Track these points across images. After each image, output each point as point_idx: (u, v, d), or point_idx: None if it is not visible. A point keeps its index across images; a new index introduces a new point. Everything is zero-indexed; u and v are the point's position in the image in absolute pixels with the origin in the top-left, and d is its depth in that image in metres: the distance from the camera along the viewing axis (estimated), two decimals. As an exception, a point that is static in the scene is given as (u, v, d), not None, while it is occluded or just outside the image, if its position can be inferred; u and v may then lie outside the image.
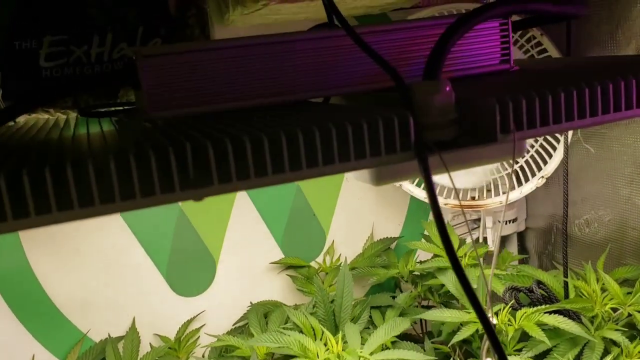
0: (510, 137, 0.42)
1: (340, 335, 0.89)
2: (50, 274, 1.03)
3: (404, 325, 0.90)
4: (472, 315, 0.89)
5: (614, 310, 0.87)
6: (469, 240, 1.35)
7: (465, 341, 1.01)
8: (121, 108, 0.70)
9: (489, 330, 0.41)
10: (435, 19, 0.58)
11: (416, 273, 1.16)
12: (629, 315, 0.85)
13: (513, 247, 1.44)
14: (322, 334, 0.93)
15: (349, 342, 0.88)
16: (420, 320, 1.16)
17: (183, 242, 1.14)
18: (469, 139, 0.42)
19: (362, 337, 0.90)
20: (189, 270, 1.15)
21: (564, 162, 1.02)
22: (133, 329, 1.08)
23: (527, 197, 1.41)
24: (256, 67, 0.52)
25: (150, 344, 1.11)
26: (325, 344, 0.87)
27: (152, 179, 0.34)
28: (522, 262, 1.29)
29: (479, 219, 1.38)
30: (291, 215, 1.22)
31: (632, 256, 1.16)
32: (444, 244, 0.39)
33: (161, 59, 0.50)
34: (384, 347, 0.91)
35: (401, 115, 0.39)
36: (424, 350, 1.00)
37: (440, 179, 1.19)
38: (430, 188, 0.39)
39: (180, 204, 1.13)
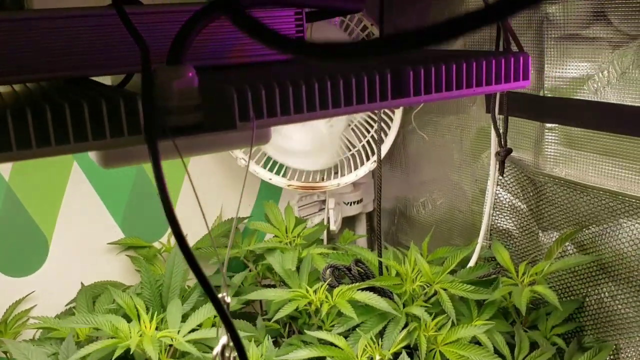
0: (250, 125, 0.43)
1: (162, 316, 0.88)
2: None
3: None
4: (294, 294, 0.92)
5: (426, 287, 0.93)
6: (316, 221, 1.39)
7: (294, 318, 1.04)
8: None
9: (218, 307, 0.42)
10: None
11: (259, 253, 1.18)
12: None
13: (361, 227, 1.50)
14: (146, 314, 0.92)
15: (169, 321, 0.88)
16: (261, 300, 1.18)
17: (11, 219, 1.08)
18: (210, 125, 0.42)
19: (186, 317, 0.91)
20: (18, 249, 1.10)
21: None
22: (-51, 310, 1.02)
23: (375, 180, 1.47)
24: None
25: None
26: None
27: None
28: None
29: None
30: (132, 194, 1.19)
31: (459, 236, 1.24)
32: (173, 229, 0.40)
33: None
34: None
35: (129, 98, 0.39)
36: (255, 327, 1.02)
37: (285, 159, 1.21)
38: (159, 172, 0.39)
39: (7, 179, 1.07)
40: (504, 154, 0.98)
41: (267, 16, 0.61)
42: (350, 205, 1.37)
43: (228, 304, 0.44)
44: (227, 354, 0.44)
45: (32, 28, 0.49)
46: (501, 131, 0.98)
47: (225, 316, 0.42)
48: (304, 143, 1.17)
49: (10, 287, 1.09)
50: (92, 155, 0.40)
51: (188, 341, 0.84)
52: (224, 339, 0.44)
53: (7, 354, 0.95)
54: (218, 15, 0.44)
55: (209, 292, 0.42)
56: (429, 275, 0.92)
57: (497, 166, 1.00)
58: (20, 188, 1.09)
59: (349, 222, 1.45)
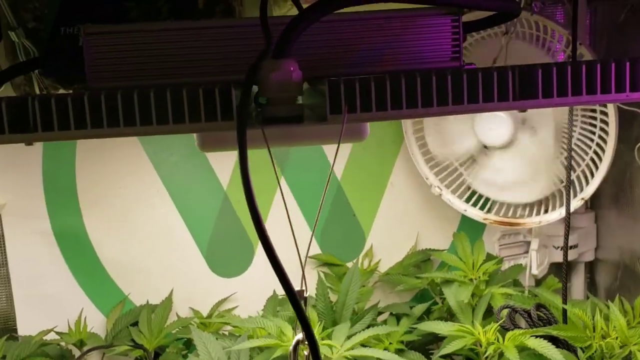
0: (342, 119, 0.43)
1: (328, 331, 0.90)
2: (101, 237, 1.16)
3: (387, 329, 0.89)
4: (460, 330, 0.86)
5: (622, 346, 0.79)
6: (520, 262, 1.28)
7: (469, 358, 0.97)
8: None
9: (293, 299, 0.42)
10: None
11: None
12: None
13: (578, 279, 1.33)
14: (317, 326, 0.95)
15: (334, 337, 0.89)
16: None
17: (225, 225, 1.22)
18: (301, 117, 0.43)
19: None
20: (228, 252, 1.23)
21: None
22: (168, 299, 1.18)
23: (598, 225, 1.30)
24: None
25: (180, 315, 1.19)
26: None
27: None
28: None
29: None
30: (331, 212, 1.25)
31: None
32: (249, 206, 0.41)
33: (103, 36, 0.57)
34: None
35: (223, 86, 0.42)
36: (429, 363, 0.98)
37: (487, 191, 1.15)
38: (243, 158, 0.41)
39: (225, 189, 1.21)
40: None
41: (422, 24, 0.60)
42: (561, 250, 1.23)
43: (305, 299, 0.43)
44: (303, 351, 0.43)
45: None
46: None
47: (299, 310, 0.42)
48: (518, 172, 1.09)
49: (218, 286, 1.22)
50: (195, 140, 0.44)
51: (346, 357, 0.84)
52: (299, 335, 0.43)
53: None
54: (322, 14, 0.45)
55: (284, 281, 0.42)
56: (624, 332, 0.78)
57: None
58: (235, 197, 1.22)
59: (560, 270, 1.30)
